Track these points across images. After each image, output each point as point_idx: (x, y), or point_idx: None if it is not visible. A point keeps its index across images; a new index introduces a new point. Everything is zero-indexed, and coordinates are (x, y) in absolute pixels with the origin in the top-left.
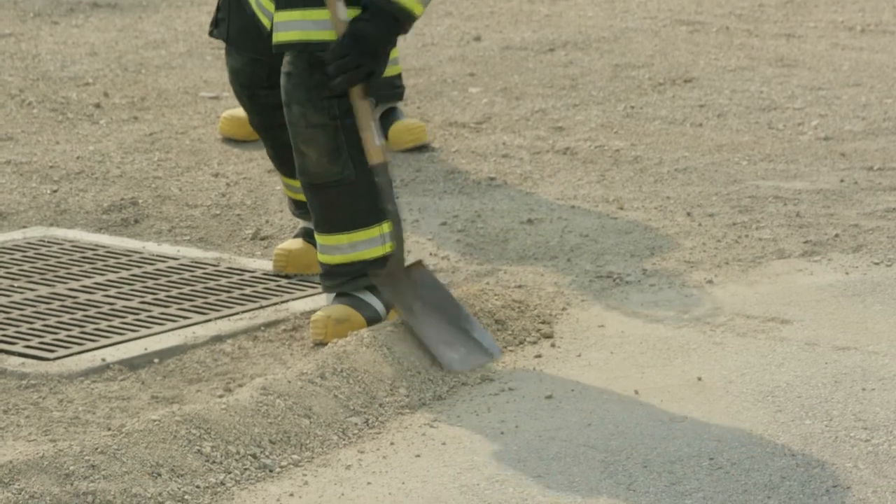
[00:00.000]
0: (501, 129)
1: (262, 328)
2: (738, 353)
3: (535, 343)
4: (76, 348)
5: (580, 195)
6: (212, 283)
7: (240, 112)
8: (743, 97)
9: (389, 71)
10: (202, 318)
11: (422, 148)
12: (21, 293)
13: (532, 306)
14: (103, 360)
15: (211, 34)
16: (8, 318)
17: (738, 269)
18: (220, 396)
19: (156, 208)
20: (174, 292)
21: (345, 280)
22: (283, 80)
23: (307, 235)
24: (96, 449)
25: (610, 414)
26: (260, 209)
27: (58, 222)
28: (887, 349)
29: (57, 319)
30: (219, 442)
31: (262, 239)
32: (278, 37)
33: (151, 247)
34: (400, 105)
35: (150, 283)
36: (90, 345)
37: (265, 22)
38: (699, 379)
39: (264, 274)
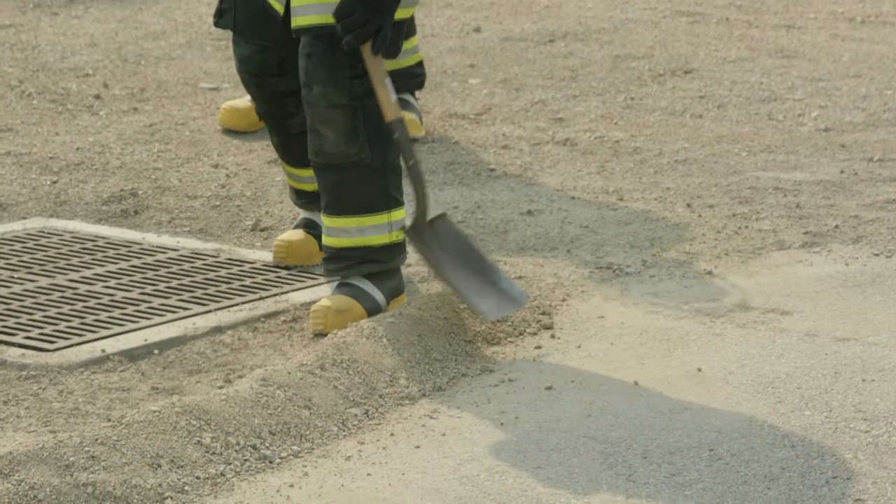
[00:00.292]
0: (501, 120)
1: (262, 319)
2: (737, 344)
3: (535, 334)
4: (76, 339)
5: (580, 186)
6: (212, 275)
7: (239, 103)
8: (743, 88)
9: (409, 60)
10: (202, 309)
11: (416, 140)
12: (21, 284)
13: (532, 297)
14: (103, 351)
15: (216, 24)
16: (8, 310)
17: (738, 260)
18: (220, 387)
19: (155, 199)
20: (174, 283)
21: (348, 265)
22: (302, 62)
23: (307, 226)
24: (96, 440)
25: (610, 405)
26: (260, 200)
27: (57, 213)
28: (887, 340)
29: (57, 310)
30: (219, 433)
31: (262, 230)
32: (297, 21)
33: (151, 238)
34: (412, 98)
35: (150, 274)
36: (90, 336)
37: (278, 8)
38: (699, 370)
39: (264, 265)
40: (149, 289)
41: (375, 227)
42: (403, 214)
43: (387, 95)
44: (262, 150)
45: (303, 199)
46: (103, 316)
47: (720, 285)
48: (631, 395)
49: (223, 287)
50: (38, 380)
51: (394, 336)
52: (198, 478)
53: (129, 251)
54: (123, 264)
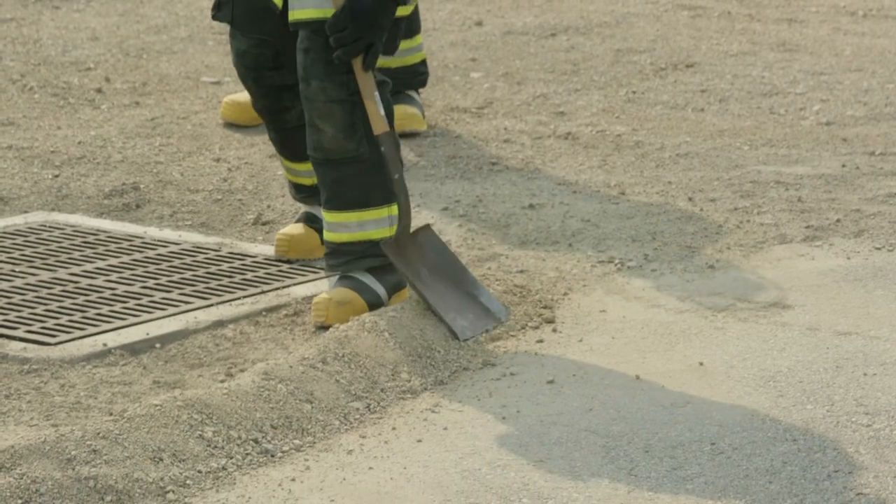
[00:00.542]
0: (503, 114)
1: (264, 313)
2: (739, 338)
3: (536, 328)
4: (78, 333)
5: (581, 180)
6: (213, 268)
7: (241, 97)
8: (745, 82)
9: (413, 58)
10: (204, 302)
11: (418, 134)
12: (23, 278)
13: (534, 291)
14: (105, 344)
15: (214, 17)
16: (9, 303)
17: (740, 254)
18: (222, 381)
19: (157, 193)
20: (176, 277)
21: (349, 259)
22: (300, 57)
23: (309, 220)
24: (98, 434)
25: (611, 399)
26: (261, 194)
27: (59, 207)
28: (889, 334)
29: (58, 304)
30: (220, 427)
31: (264, 224)
32: (294, 14)
33: (153, 232)
34: (414, 93)
35: (152, 267)
36: (92, 330)
37: (276, 0)
38: (701, 364)
39: (266, 259)
40: (150, 282)
41: (376, 221)
42: None
43: (375, 109)
44: (264, 145)
45: (301, 193)
46: (105, 310)
47: (722, 279)
48: (632, 388)
49: (225, 281)
50: (40, 373)
51: (395, 330)
52: (199, 472)
53: (131, 245)
54: (125, 258)
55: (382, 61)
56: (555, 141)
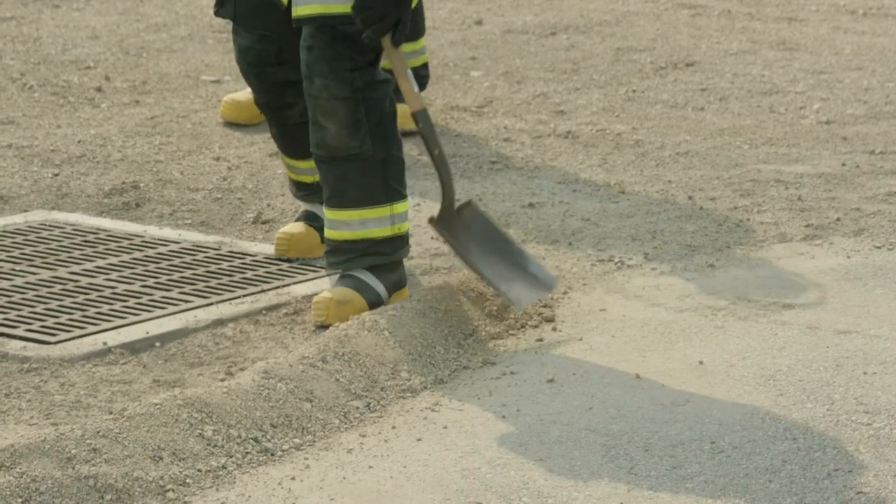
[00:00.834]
0: (503, 113)
1: (264, 312)
2: (739, 336)
3: (536, 327)
4: (78, 332)
5: (581, 179)
6: (213, 267)
7: (241, 96)
8: (745, 81)
9: (416, 60)
10: (204, 301)
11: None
12: (22, 277)
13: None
14: (105, 343)
15: (216, 13)
16: (9, 302)
17: (740, 253)
18: (222, 380)
19: (157, 192)
20: (175, 276)
21: (350, 257)
22: (303, 54)
23: (309, 219)
24: (98, 433)
25: (611, 398)
26: (261, 193)
27: (59, 206)
28: (889, 333)
29: (58, 303)
30: (220, 426)
31: (264, 223)
32: (298, 10)
33: (153, 230)
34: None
35: (152, 266)
36: (92, 328)
37: None
38: (701, 363)
39: (266, 258)
40: (150, 281)
41: (378, 219)
42: (406, 207)
43: (409, 87)
44: (264, 143)
45: (302, 190)
46: (105, 308)
47: (722, 278)
48: (632, 387)
49: (225, 280)
50: (40, 372)
51: (395, 329)
52: (199, 470)
53: (131, 244)
54: (125, 257)
55: (384, 63)
56: (555, 140)
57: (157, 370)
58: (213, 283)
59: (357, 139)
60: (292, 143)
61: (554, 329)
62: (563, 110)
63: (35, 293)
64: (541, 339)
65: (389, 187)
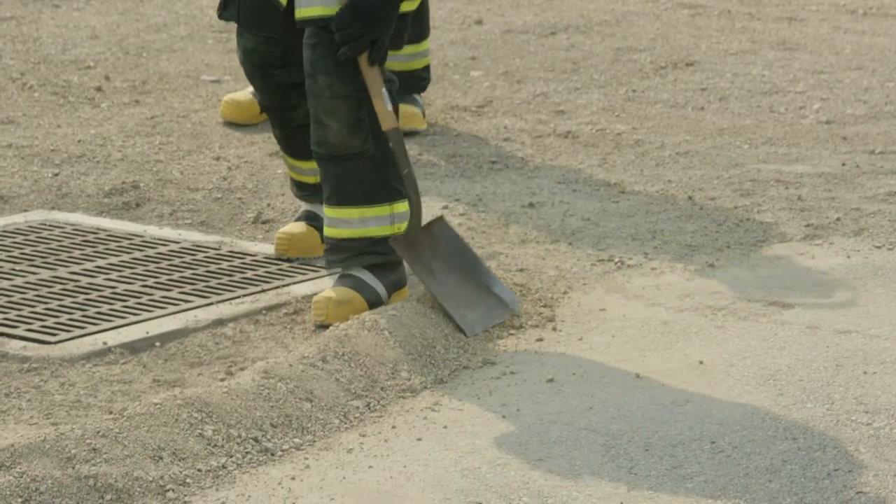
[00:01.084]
0: (503, 113)
1: (264, 312)
2: (739, 336)
3: (536, 327)
4: (78, 332)
5: (581, 179)
6: (213, 267)
7: (241, 96)
8: (745, 81)
9: (418, 63)
10: (204, 301)
11: (418, 132)
12: (22, 276)
13: (533, 290)
14: (105, 343)
15: (220, 16)
16: (9, 302)
17: (740, 253)
18: (222, 380)
19: (157, 192)
20: (175, 276)
21: (349, 256)
22: (307, 52)
23: (309, 219)
24: (98, 432)
25: (611, 397)
26: (261, 193)
27: (59, 206)
28: (889, 333)
29: (58, 303)
30: (220, 425)
31: (264, 222)
32: (301, 12)
33: (153, 230)
34: (417, 96)
35: (152, 266)
36: (92, 328)
37: None
38: (701, 362)
39: (266, 257)
40: (150, 281)
41: (378, 218)
42: (406, 207)
43: (382, 106)
44: (264, 143)
45: (304, 191)
46: (105, 308)
47: (722, 278)
48: (632, 387)
49: (225, 279)
50: (40, 372)
51: (395, 328)
52: (199, 470)
53: (131, 243)
54: (125, 256)
55: (387, 64)
56: (555, 139)
57: (157, 370)
58: (213, 282)
59: (359, 138)
60: (295, 144)
61: (554, 329)
62: (563, 110)
63: (35, 293)
64: (541, 339)
65: (390, 187)
